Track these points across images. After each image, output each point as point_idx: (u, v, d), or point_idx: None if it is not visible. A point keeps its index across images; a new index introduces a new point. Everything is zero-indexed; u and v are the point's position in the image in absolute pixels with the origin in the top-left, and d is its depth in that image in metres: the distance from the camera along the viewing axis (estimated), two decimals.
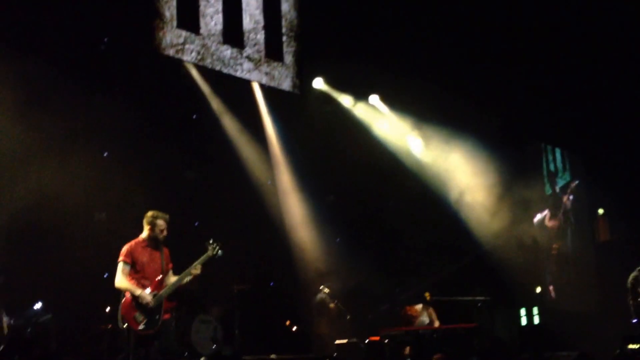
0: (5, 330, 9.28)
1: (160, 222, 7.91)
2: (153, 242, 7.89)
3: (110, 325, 9.44)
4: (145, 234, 7.92)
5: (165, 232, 7.93)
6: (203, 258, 7.98)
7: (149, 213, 7.96)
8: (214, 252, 8.01)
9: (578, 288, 13.45)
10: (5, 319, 9.39)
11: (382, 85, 14.28)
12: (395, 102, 14.51)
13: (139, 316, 7.56)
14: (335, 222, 13.45)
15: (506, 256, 13.80)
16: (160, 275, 7.83)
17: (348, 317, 12.20)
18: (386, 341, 10.25)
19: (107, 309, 9.47)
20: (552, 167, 15.61)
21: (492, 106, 13.05)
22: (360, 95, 14.42)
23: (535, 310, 14.37)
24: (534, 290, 14.41)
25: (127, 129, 11.00)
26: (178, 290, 7.94)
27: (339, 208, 13.72)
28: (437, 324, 11.16)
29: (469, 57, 13.24)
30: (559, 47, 13.25)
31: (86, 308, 9.88)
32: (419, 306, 11.18)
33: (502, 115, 13.25)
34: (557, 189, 15.33)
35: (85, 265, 10.01)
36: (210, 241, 8.07)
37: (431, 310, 11.28)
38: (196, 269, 7.90)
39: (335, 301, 12.35)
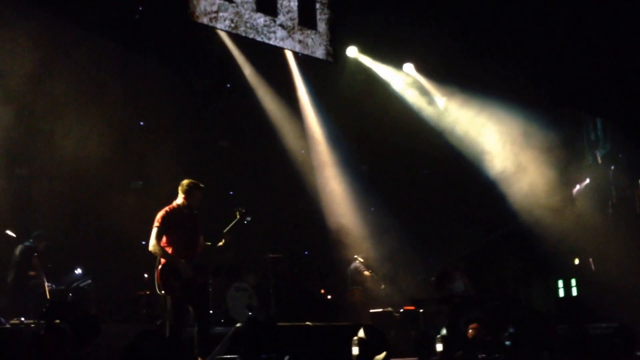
0: (47, 295, 9.46)
1: (197, 193, 7.93)
2: (187, 209, 7.90)
3: (148, 292, 9.55)
4: (180, 201, 7.92)
5: (199, 200, 7.96)
6: (232, 225, 8.03)
7: (186, 181, 7.95)
8: (243, 218, 8.05)
9: (618, 260, 13.21)
10: (47, 284, 9.58)
11: (417, 54, 14.07)
12: (430, 70, 14.31)
13: (175, 282, 7.59)
14: (370, 191, 13.39)
15: (544, 227, 13.61)
16: (194, 242, 7.86)
17: (382, 286, 12.19)
18: (421, 310, 10.21)
19: (145, 276, 9.57)
20: (592, 136, 15.31)
21: (531, 74, 12.77)
22: (395, 63, 14.24)
23: (573, 281, 14.20)
24: (572, 261, 14.22)
25: (162, 98, 11.04)
26: (213, 258, 7.98)
27: (373, 177, 13.64)
28: (471, 292, 11.06)
29: (507, 23, 12.94)
30: (601, 13, 12.91)
31: (125, 274, 10.03)
32: (455, 272, 11.08)
33: (542, 83, 12.96)
34: (599, 159, 15.04)
35: (123, 232, 10.13)
36: (239, 207, 8.10)
37: (467, 278, 11.19)
38: (225, 236, 7.95)
39: (370, 270, 12.34)
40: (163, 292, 7.60)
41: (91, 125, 10.26)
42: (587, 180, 14.74)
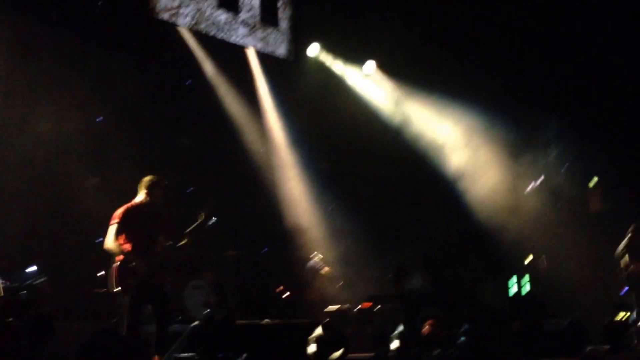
0: (0, 293, 9.33)
1: (159, 191, 7.85)
2: (148, 207, 7.81)
3: (104, 289, 9.47)
4: (141, 197, 7.83)
5: (161, 198, 7.92)
6: (195, 225, 8.01)
7: (148, 178, 7.84)
8: (207, 220, 8.05)
9: (570, 258, 13.53)
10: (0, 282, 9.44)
11: (378, 53, 14.20)
12: (391, 69, 14.44)
13: (131, 280, 7.55)
14: (329, 190, 13.47)
15: (500, 224, 13.86)
16: (154, 241, 7.82)
17: (340, 283, 12.28)
18: (378, 307, 10.32)
19: (102, 273, 9.50)
20: (546, 135, 15.62)
21: (489, 73, 12.99)
22: (356, 62, 14.34)
23: (526, 278, 14.49)
24: (525, 259, 14.51)
25: (121, 94, 10.95)
26: (171, 256, 7.95)
27: (332, 176, 13.72)
28: (429, 289, 11.19)
29: (467, 22, 13.14)
30: (558, 13, 13.18)
31: (80, 271, 9.92)
32: (412, 269, 11.20)
33: (499, 82, 13.19)
34: (552, 158, 15.34)
35: (79, 229, 10.03)
36: (203, 210, 8.09)
37: (424, 275, 11.32)
38: (186, 237, 7.94)
39: (328, 268, 12.42)
40: (119, 289, 7.55)
41: (47, 120, 10.13)
42: (541, 178, 15.04)
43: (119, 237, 7.60)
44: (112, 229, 7.62)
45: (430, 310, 10.00)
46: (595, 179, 15.09)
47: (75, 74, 10.49)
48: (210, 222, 8.10)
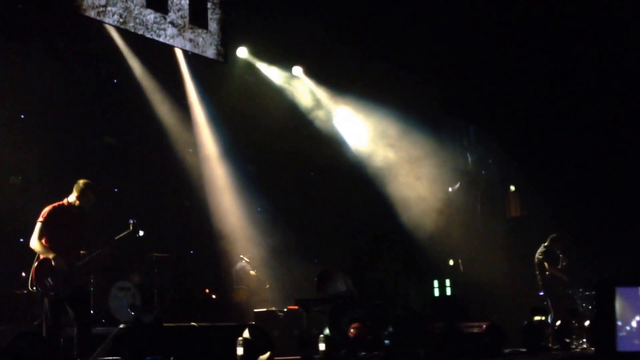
0: None
1: (91, 195, 7.80)
2: (77, 209, 7.76)
3: (26, 291, 9.22)
4: (72, 199, 7.77)
5: (92, 204, 7.83)
6: (123, 235, 7.97)
7: (82, 181, 7.81)
8: (135, 231, 8.01)
9: (488, 261, 13.96)
10: None
11: (305, 56, 14.33)
12: (317, 72, 14.60)
13: (51, 281, 7.43)
14: (257, 190, 13.49)
15: (420, 227, 14.18)
16: (78, 243, 7.73)
17: (267, 286, 12.31)
18: (304, 310, 10.39)
19: (23, 274, 9.25)
20: (465, 141, 16.08)
21: (412, 79, 13.28)
22: (284, 65, 14.43)
23: (447, 282, 14.86)
24: (447, 262, 14.89)
25: (46, 91, 10.69)
26: (95, 258, 7.85)
27: (261, 177, 13.75)
28: (354, 291, 11.35)
29: (392, 28, 13.39)
30: (478, 20, 13.56)
31: (3, 272, 9.63)
32: (336, 273, 11.32)
33: (422, 89, 13.50)
34: (470, 163, 15.81)
35: (1, 228, 9.74)
36: (132, 221, 8.05)
37: (348, 278, 11.48)
38: (112, 243, 7.88)
39: (255, 270, 12.44)
40: (35, 289, 7.43)
41: None
42: (459, 184, 15.47)
43: (43, 236, 7.53)
44: (37, 228, 7.57)
45: (356, 313, 10.15)
46: (513, 187, 15.63)
47: None
48: (138, 235, 8.05)
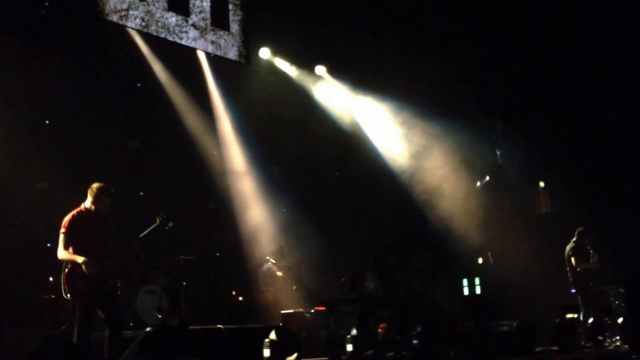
0: None
1: (105, 199, 7.76)
2: (95, 212, 7.74)
3: (53, 296, 9.28)
4: (88, 204, 7.75)
5: (108, 206, 7.81)
6: (151, 228, 7.93)
7: (95, 185, 7.76)
8: (163, 224, 7.96)
9: (518, 258, 13.76)
10: None
11: (329, 56, 14.26)
12: (341, 72, 14.52)
13: (83, 285, 7.42)
14: (282, 192, 13.45)
15: (449, 224, 14.03)
16: (103, 246, 7.71)
17: (294, 287, 12.25)
18: (332, 311, 10.32)
19: (50, 279, 9.30)
20: (493, 136, 15.87)
21: (439, 76, 13.15)
22: (307, 65, 14.37)
23: (477, 280, 14.66)
24: (476, 260, 14.70)
25: (70, 97, 10.76)
26: (123, 261, 7.85)
27: (286, 179, 13.70)
28: (381, 292, 11.27)
29: (420, 23, 13.27)
30: (507, 15, 13.42)
31: (29, 277, 9.69)
32: (366, 273, 11.24)
33: (450, 85, 13.37)
34: (499, 158, 15.60)
35: (27, 234, 9.82)
36: (161, 213, 8.01)
37: (376, 278, 11.38)
38: (136, 243, 7.87)
39: (282, 271, 12.39)
40: (69, 296, 7.44)
41: None
42: (487, 178, 15.27)
43: (69, 245, 7.52)
44: (61, 239, 7.56)
45: (384, 313, 10.06)
46: (542, 184, 15.40)
47: (23, 77, 10.23)
48: (167, 226, 7.97)
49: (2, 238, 9.69)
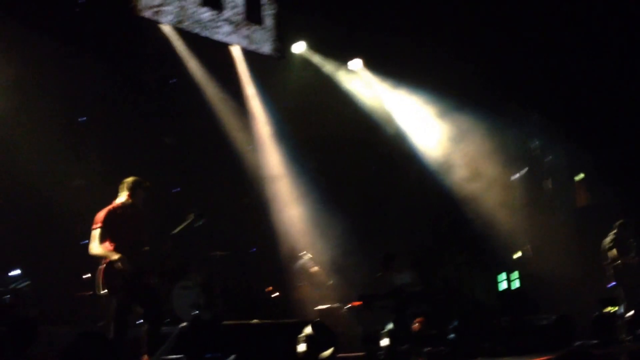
0: None
1: (141, 192, 7.76)
2: (130, 208, 7.72)
3: (90, 292, 9.35)
4: (123, 199, 7.74)
5: (142, 201, 7.81)
6: (184, 225, 7.92)
7: (130, 179, 7.76)
8: (196, 220, 7.96)
9: (556, 252, 13.54)
10: None
11: (364, 50, 14.15)
12: (377, 66, 14.40)
13: (120, 281, 7.42)
14: (318, 186, 13.39)
15: (487, 219, 13.87)
16: (139, 242, 7.70)
17: (330, 282, 12.21)
18: (368, 305, 10.27)
19: (87, 276, 9.38)
20: (530, 128, 15.63)
21: (473, 69, 12.99)
22: (342, 59, 14.28)
23: (515, 274, 14.50)
24: (514, 254, 14.51)
25: (105, 94, 10.85)
26: (158, 257, 7.86)
27: (321, 172, 13.64)
28: (417, 286, 11.15)
29: (452, 20, 13.13)
30: (545, 6, 13.22)
31: (66, 275, 9.79)
32: (402, 265, 11.11)
33: (483, 78, 13.19)
34: (535, 150, 15.36)
35: (64, 231, 9.90)
36: (192, 210, 8.01)
37: (414, 272, 11.27)
38: (169, 239, 7.87)
39: (318, 266, 12.35)
40: (106, 292, 7.44)
41: (30, 121, 9.98)
42: (524, 170, 15.05)
43: (104, 240, 7.50)
44: (96, 234, 7.53)
45: (420, 307, 9.98)
46: (582, 175, 15.14)
47: (58, 74, 10.33)
48: (199, 223, 7.98)
49: (39, 236, 9.81)
